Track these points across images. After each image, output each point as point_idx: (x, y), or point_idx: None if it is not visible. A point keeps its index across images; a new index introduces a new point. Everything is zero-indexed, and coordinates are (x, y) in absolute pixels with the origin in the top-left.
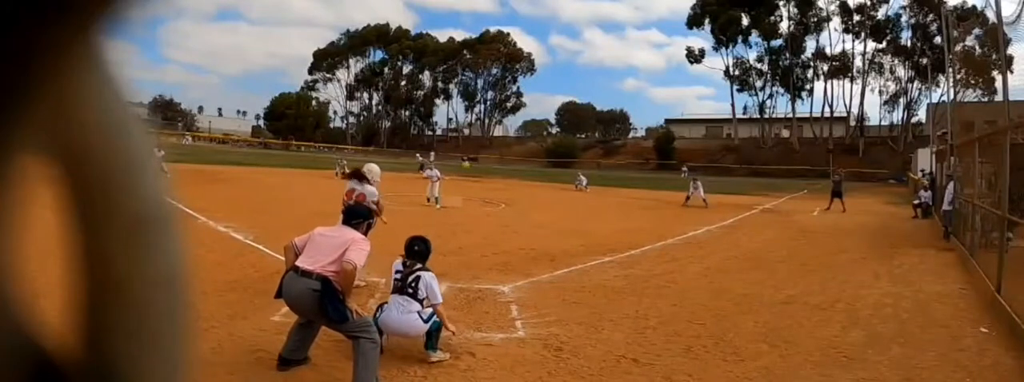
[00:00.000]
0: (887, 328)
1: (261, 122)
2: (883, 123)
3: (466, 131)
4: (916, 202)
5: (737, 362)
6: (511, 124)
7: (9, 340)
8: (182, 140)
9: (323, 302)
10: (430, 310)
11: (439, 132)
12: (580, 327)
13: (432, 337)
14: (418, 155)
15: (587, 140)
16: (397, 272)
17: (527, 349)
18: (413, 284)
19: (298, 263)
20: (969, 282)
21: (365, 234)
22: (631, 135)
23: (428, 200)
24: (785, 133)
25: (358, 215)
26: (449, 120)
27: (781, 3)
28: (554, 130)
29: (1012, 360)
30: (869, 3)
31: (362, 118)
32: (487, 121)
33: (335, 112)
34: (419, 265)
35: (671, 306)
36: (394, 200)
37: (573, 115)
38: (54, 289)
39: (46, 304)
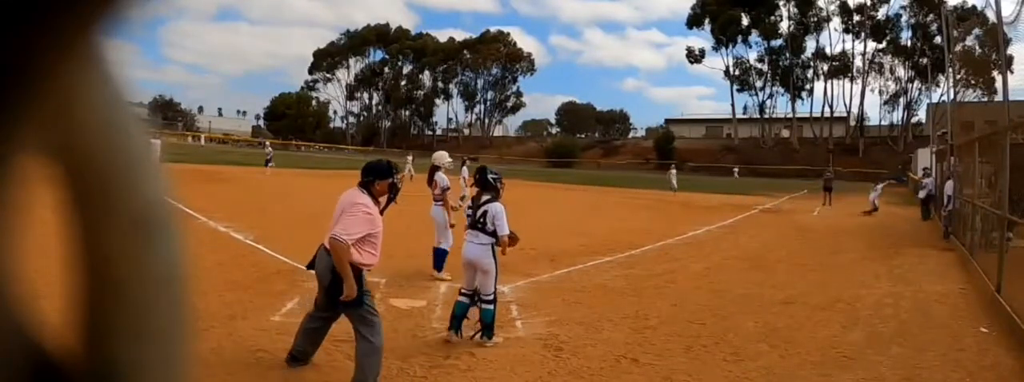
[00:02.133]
0: (887, 328)
1: (261, 122)
2: (883, 123)
3: (466, 131)
4: (922, 196)
5: (737, 362)
6: (511, 124)
7: (9, 340)
8: (187, 140)
9: (333, 281)
10: (491, 246)
11: (439, 132)
12: (580, 327)
13: (488, 328)
14: (466, 159)
15: (587, 140)
16: (469, 208)
17: (527, 349)
18: (482, 218)
19: (325, 240)
20: (969, 282)
21: (390, 194)
22: (631, 135)
23: (461, 199)
24: (785, 133)
25: (369, 171)
26: (449, 120)
27: (781, 3)
28: (554, 130)
29: (1012, 360)
30: (869, 3)
31: (362, 118)
32: (487, 121)
33: (335, 112)
34: (487, 197)
35: (671, 306)
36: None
37: (573, 115)
38: (54, 289)
39: (46, 304)
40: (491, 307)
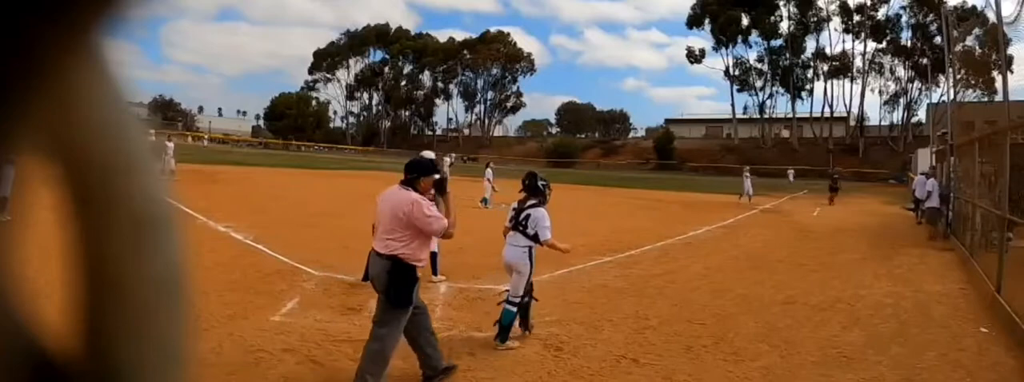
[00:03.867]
0: (887, 328)
1: (261, 122)
2: (883, 123)
3: (466, 131)
4: (915, 198)
5: (737, 362)
6: (511, 124)
7: (9, 341)
8: (188, 140)
9: (389, 283)
10: (529, 249)
11: (439, 132)
12: (580, 327)
13: (504, 330)
14: (490, 164)
15: (587, 140)
16: (512, 210)
17: (527, 349)
18: (524, 221)
19: (375, 243)
20: (969, 282)
21: (440, 191)
22: (631, 135)
23: (482, 201)
24: (785, 133)
25: (413, 168)
26: (449, 120)
27: (781, 3)
28: (554, 130)
29: (1012, 360)
30: (869, 3)
31: (362, 118)
32: (487, 121)
33: (335, 112)
34: (532, 202)
35: (671, 306)
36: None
37: (573, 115)
38: (54, 289)
39: (46, 304)
40: (513, 309)
